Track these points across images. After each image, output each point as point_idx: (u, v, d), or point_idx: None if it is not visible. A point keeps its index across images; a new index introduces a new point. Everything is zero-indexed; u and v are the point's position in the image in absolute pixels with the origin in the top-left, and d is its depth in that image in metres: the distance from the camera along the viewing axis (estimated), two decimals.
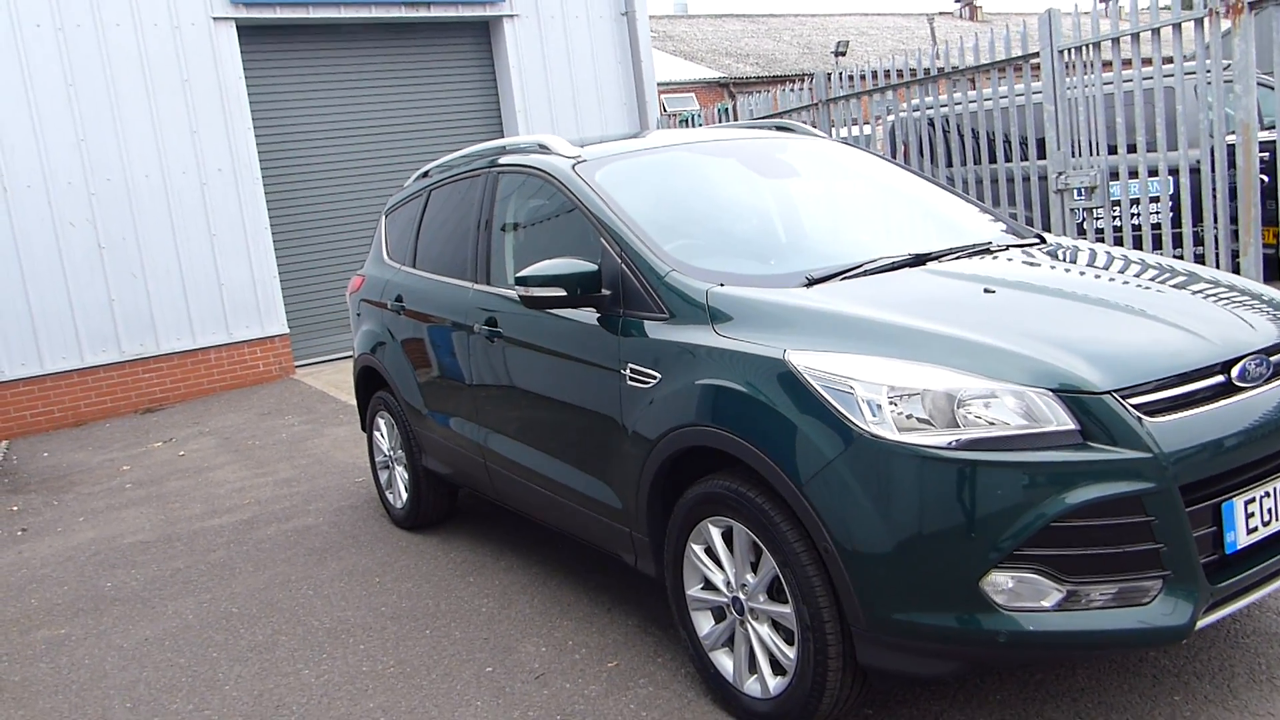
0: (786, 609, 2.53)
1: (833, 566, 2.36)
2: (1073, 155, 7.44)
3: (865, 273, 2.90)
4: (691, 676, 3.05)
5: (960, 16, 31.96)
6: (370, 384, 5.07)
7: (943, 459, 2.20)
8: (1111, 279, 2.87)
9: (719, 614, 2.85)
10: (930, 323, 2.46)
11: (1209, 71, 6.56)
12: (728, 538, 2.73)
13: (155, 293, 9.10)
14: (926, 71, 8.62)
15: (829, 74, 9.87)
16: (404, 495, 4.84)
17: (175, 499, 5.98)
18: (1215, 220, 6.61)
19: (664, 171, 3.63)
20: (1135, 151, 7.05)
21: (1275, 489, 2.35)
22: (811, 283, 2.83)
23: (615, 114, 11.49)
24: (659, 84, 15.60)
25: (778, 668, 2.64)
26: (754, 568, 2.66)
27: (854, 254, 3.04)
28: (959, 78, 8.45)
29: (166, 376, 9.20)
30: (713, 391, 2.65)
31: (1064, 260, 3.12)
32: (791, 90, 10.61)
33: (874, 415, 2.28)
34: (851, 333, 2.51)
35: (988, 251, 3.15)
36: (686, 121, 12.45)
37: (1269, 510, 2.34)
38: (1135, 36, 6.89)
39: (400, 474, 4.86)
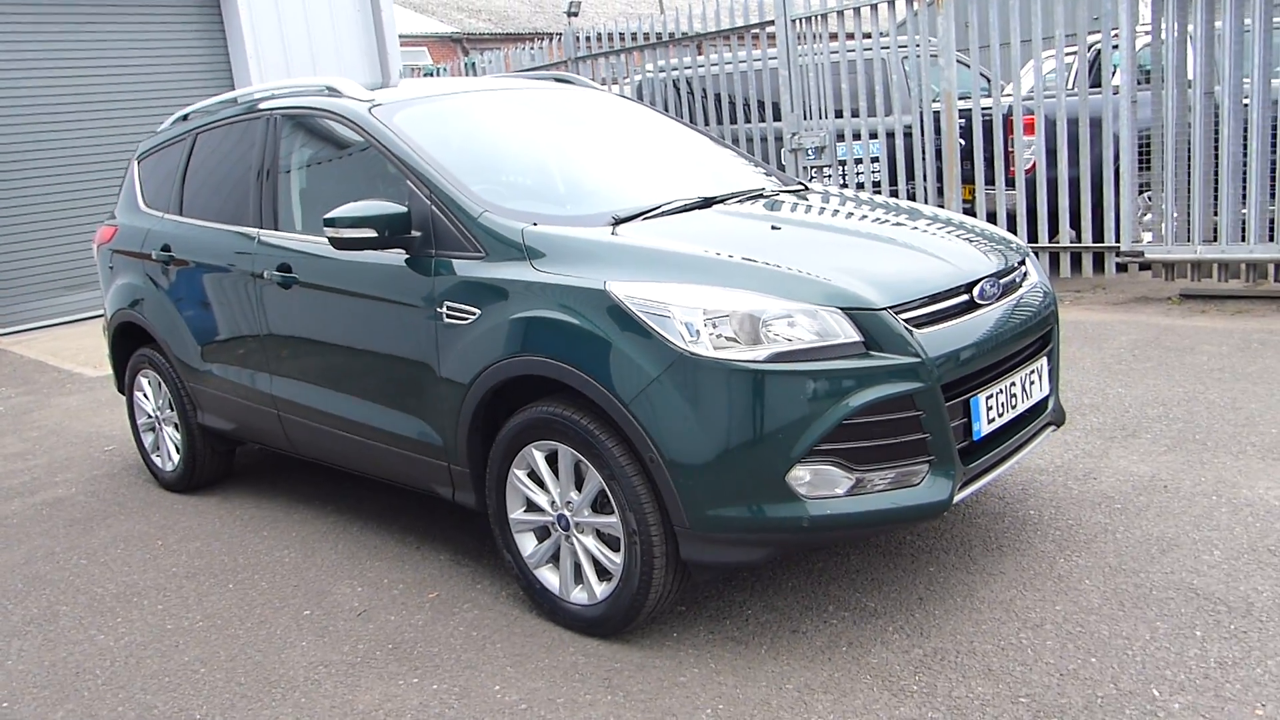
0: (612, 519, 2.77)
1: (658, 475, 2.62)
2: (804, 118, 8.14)
3: (663, 213, 3.16)
4: (513, 598, 3.22)
5: None
6: (129, 341, 4.75)
7: (754, 371, 2.50)
8: (871, 218, 3.31)
9: (542, 533, 3.04)
10: (732, 255, 2.75)
11: (918, 46, 7.42)
12: (551, 461, 2.92)
13: None
14: (671, 36, 9.06)
15: (579, 35, 10.11)
16: (175, 456, 4.61)
17: None
18: (925, 178, 7.51)
19: (460, 116, 3.70)
20: (858, 116, 7.84)
21: (1005, 386, 2.87)
22: (617, 222, 3.04)
23: (356, 65, 11.11)
24: None
25: (603, 574, 2.87)
26: (578, 486, 2.87)
27: (649, 197, 3.29)
28: (697, 43, 8.96)
29: None
30: (537, 323, 2.81)
31: (829, 203, 3.54)
32: (539, 48, 10.78)
33: (691, 336, 2.55)
34: (663, 265, 2.75)
35: (764, 196, 3.51)
36: (431, 75, 12.27)
37: (1002, 404, 2.85)
38: (857, 11, 7.64)
39: (170, 434, 4.62)
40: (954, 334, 2.70)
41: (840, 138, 7.98)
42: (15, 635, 3.35)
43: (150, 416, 4.73)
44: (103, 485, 4.85)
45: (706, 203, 3.31)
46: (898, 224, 3.26)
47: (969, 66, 7.26)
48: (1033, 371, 3.00)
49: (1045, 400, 3.11)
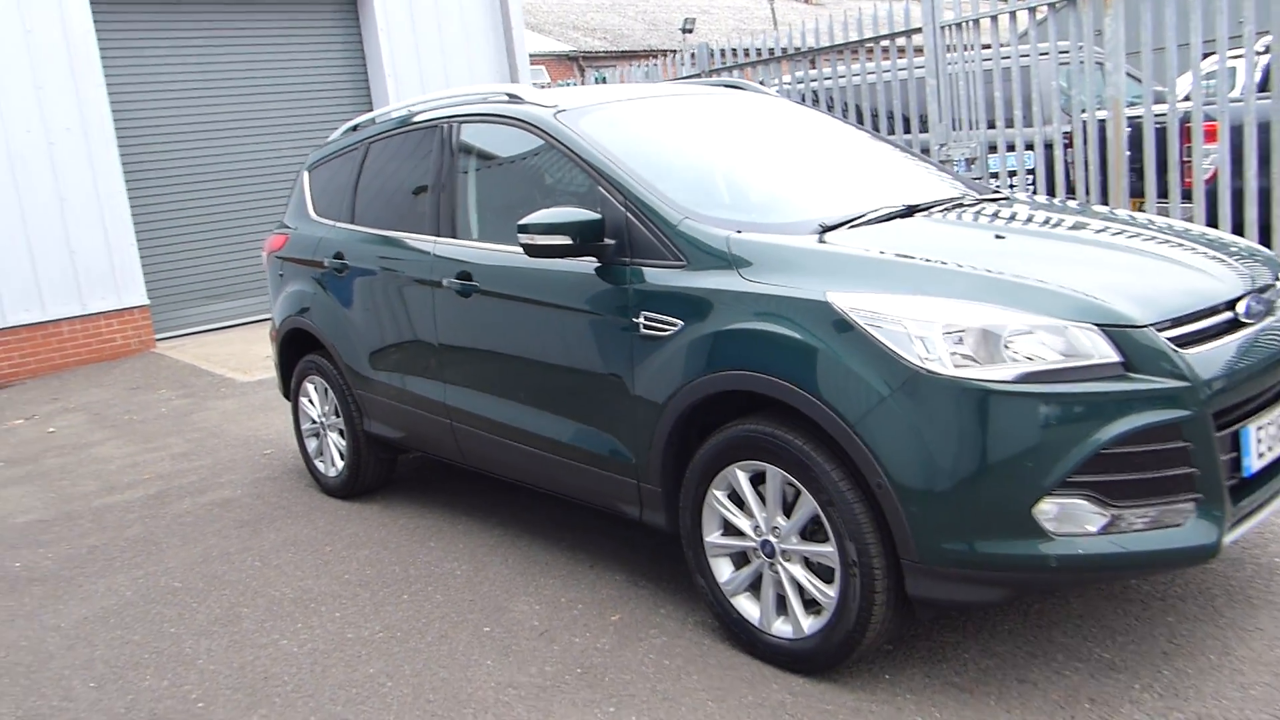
0: (826, 548, 2.58)
1: (885, 502, 2.42)
2: (953, 129, 7.83)
3: (870, 221, 2.97)
4: (702, 625, 3.06)
5: None
6: (297, 348, 4.79)
7: (1002, 392, 2.29)
8: (1100, 227, 3.05)
9: (740, 559, 2.87)
10: (961, 264, 2.54)
11: (1080, 49, 7.03)
12: (755, 482, 2.75)
13: None
14: (811, 49, 8.86)
15: (713, 49, 10.02)
16: (339, 462, 4.61)
17: (60, 476, 5.49)
18: (1087, 191, 7.11)
19: (643, 122, 3.59)
20: (1011, 126, 7.49)
21: (1276, 417, 2.57)
22: (825, 230, 2.87)
23: (487, 80, 11.23)
24: None
25: (810, 606, 2.69)
26: (785, 510, 2.69)
27: (850, 204, 3.11)
28: (835, 54, 8.72)
29: (14, 351, 8.39)
30: (747, 336, 2.65)
31: (1047, 211, 3.28)
32: (653, 64, 10.77)
33: (928, 352, 2.35)
34: (886, 275, 2.56)
35: (969, 203, 3.28)
36: (599, 83, 12.36)
37: (1273, 436, 2.56)
38: (1013, 15, 7.30)
39: (334, 440, 4.63)
40: (1220, 355, 2.43)
41: (992, 149, 7.62)
42: (203, 635, 3.35)
43: (315, 422, 4.76)
44: (266, 488, 4.90)
45: (910, 210, 3.11)
46: (1134, 233, 2.99)
47: (1139, 80, 6.86)
48: None
49: None
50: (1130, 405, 2.28)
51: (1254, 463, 2.48)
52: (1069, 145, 7.21)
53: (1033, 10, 7.14)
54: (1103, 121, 6.97)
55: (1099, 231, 3.00)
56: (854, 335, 2.45)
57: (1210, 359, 2.38)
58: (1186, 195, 6.79)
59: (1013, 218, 3.13)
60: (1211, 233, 3.08)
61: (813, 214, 3.00)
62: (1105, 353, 2.31)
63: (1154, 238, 2.92)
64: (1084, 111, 7.01)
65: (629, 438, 3.06)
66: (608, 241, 3.03)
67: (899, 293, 2.47)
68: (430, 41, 10.74)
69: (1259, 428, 2.49)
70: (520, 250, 3.25)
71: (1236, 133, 6.39)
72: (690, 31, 25.62)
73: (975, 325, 2.35)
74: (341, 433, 4.55)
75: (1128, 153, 6.97)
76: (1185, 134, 6.74)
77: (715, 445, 2.79)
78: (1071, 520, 2.32)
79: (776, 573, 2.74)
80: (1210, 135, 6.61)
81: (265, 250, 5.02)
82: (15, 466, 5.80)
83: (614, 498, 3.21)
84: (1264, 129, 6.33)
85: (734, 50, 9.80)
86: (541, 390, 3.39)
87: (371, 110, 5.65)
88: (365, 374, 4.26)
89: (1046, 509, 2.31)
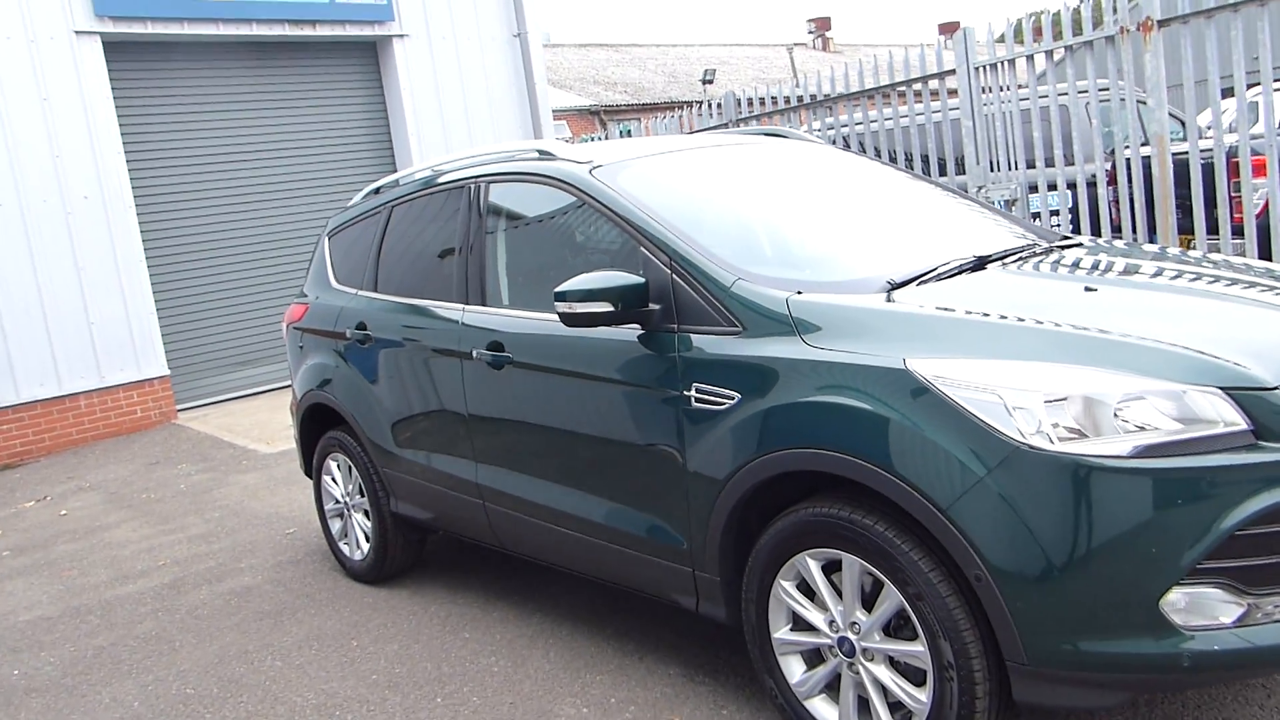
0: (916, 646, 2.28)
1: (985, 595, 2.13)
2: (991, 170, 7.59)
3: (939, 277, 2.71)
4: None
5: (814, 47, 33.09)
6: (319, 423, 4.56)
7: (1118, 469, 2.00)
8: (1193, 275, 2.77)
9: (813, 658, 2.57)
10: (1056, 323, 2.27)
11: (1122, 86, 6.81)
12: (829, 571, 2.46)
13: (13, 334, 8.12)
14: (843, 94, 8.69)
15: (740, 97, 9.91)
16: (364, 545, 4.35)
17: (70, 565, 5.24)
18: (1134, 230, 6.84)
19: (684, 176, 3.36)
20: (1052, 166, 7.25)
21: None
22: (893, 287, 2.61)
23: (511, 138, 11.14)
24: None
25: (896, 709, 2.38)
26: (864, 604, 2.40)
27: (916, 257, 2.85)
28: (867, 98, 8.55)
29: (29, 428, 8.21)
30: (817, 409, 2.38)
31: (1130, 259, 3.00)
32: (673, 117, 10.68)
33: (1029, 425, 2.07)
34: (972, 337, 2.29)
35: (1042, 252, 3.01)
36: (589, 141, 12.28)
37: None
38: (1050, 54, 7.09)
39: (359, 521, 4.37)
40: None
41: (1032, 189, 7.38)
42: None
43: (339, 502, 4.51)
44: (289, 573, 4.63)
45: (981, 262, 2.84)
46: (1230, 279, 2.70)
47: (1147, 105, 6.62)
48: None
49: None
50: (1266, 479, 1.99)
51: None
52: (1110, 183, 6.95)
53: (1070, 48, 6.93)
54: (1147, 158, 6.72)
55: (1193, 279, 2.72)
56: (940, 406, 2.18)
57: None
58: (1237, 231, 6.51)
59: (1096, 266, 2.86)
60: None
61: (875, 270, 2.74)
62: (1232, 419, 2.03)
63: (1253, 283, 2.64)
64: (1126, 148, 6.76)
65: (682, 522, 2.78)
66: (652, 307, 2.79)
67: (988, 357, 2.20)
68: (454, 100, 10.67)
69: None
70: (554, 318, 3.03)
71: None
72: (710, 82, 25.71)
73: (1079, 392, 2.07)
74: (367, 513, 4.30)
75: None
76: (1233, 168, 6.47)
77: (782, 530, 2.51)
78: (1203, 612, 2.02)
79: (857, 673, 2.44)
80: (1259, 169, 6.34)
81: (285, 321, 4.82)
82: (23, 555, 5.56)
83: (667, 587, 2.92)
84: None
85: (762, 99, 9.66)
86: (582, 469, 3.12)
87: (395, 172, 5.49)
88: (391, 451, 4.01)
89: (1175, 600, 2.01)
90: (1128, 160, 6.77)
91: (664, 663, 3.23)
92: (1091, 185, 7.07)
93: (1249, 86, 6.33)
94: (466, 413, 3.54)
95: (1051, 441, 2.05)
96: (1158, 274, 2.80)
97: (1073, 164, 7.12)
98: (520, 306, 3.38)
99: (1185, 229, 6.71)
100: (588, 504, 3.10)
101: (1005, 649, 2.14)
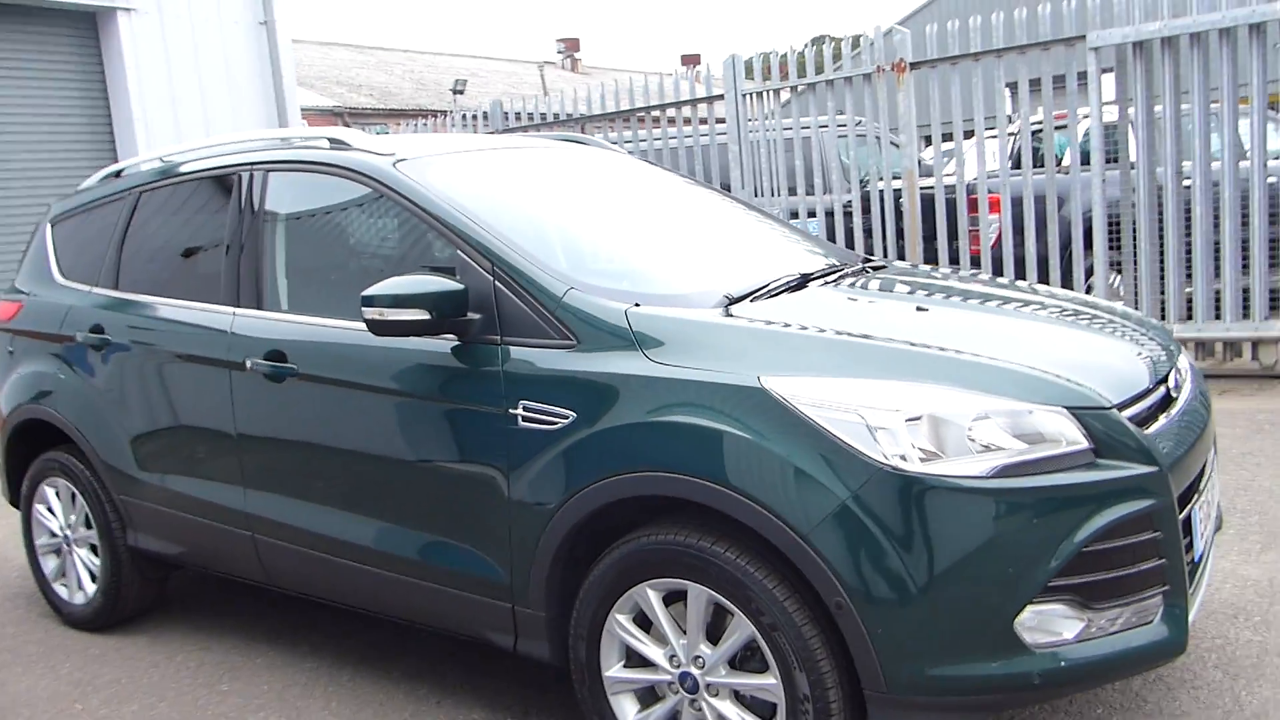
0: (767, 679, 2.16)
1: (846, 623, 2.04)
2: (755, 196, 7.84)
3: (771, 293, 2.63)
4: None
5: (563, 67, 33.41)
6: (31, 443, 3.84)
7: (981, 490, 1.98)
8: (1016, 301, 2.87)
9: (648, 696, 2.39)
10: (903, 342, 2.25)
11: (877, 124, 7.25)
12: (669, 602, 2.30)
13: None
14: (614, 111, 8.70)
15: (506, 112, 9.71)
16: (89, 586, 3.70)
17: None
18: (885, 255, 7.28)
19: (498, 175, 3.11)
20: (812, 194, 7.59)
21: (1206, 495, 2.43)
22: (731, 301, 2.50)
23: (256, 130, 10.25)
24: None
25: None
26: (709, 636, 2.25)
27: (744, 272, 2.77)
28: (638, 119, 8.60)
29: None
30: (666, 430, 2.21)
31: (951, 282, 3.07)
32: (423, 124, 10.42)
33: (891, 446, 2.01)
34: (823, 355, 2.22)
35: (864, 272, 3.02)
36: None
37: (1206, 516, 2.42)
38: (812, 86, 7.44)
39: (83, 557, 3.72)
40: (1169, 435, 2.26)
41: (794, 215, 7.69)
42: None
43: (56, 536, 3.81)
44: None
45: (804, 280, 2.80)
46: (1048, 305, 2.80)
47: (898, 147, 7.16)
48: (1213, 473, 2.59)
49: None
50: (1107, 496, 2.04)
51: (1200, 545, 2.32)
52: (854, 213, 7.38)
53: (830, 83, 7.29)
54: (898, 191, 7.19)
55: (1014, 304, 2.82)
56: (799, 427, 2.07)
57: (1161, 439, 2.20)
58: (974, 261, 7.10)
59: (914, 287, 2.91)
60: (1111, 304, 2.99)
61: (708, 284, 2.62)
62: (1074, 438, 2.07)
63: (1070, 310, 2.77)
64: (879, 180, 7.20)
65: (501, 552, 2.51)
66: (471, 316, 2.51)
67: (842, 375, 2.13)
68: (188, 86, 9.64)
69: (1199, 507, 2.34)
70: (349, 325, 2.70)
71: (1017, 204, 6.75)
72: (461, 93, 25.15)
73: (937, 412, 2.04)
74: (94, 548, 3.66)
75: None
76: (971, 204, 7.06)
77: (619, 560, 2.31)
78: (1049, 629, 2.04)
79: (699, 709, 2.28)
80: (994, 205, 6.95)
81: None
82: None
83: (480, 624, 2.64)
84: (1039, 200, 6.73)
85: (530, 114, 9.49)
86: (382, 496, 2.77)
87: (116, 160, 4.78)
88: (131, 475, 3.43)
89: (1026, 619, 2.02)
90: (881, 192, 7.23)
91: (464, 706, 2.94)
92: (843, 213, 7.48)
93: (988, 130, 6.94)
94: (235, 431, 3.07)
95: (912, 462, 2.00)
96: (976, 297, 2.88)
97: (829, 193, 7.51)
98: (304, 311, 2.97)
99: (929, 258, 7.24)
100: (387, 535, 2.76)
101: (864, 678, 2.06)
